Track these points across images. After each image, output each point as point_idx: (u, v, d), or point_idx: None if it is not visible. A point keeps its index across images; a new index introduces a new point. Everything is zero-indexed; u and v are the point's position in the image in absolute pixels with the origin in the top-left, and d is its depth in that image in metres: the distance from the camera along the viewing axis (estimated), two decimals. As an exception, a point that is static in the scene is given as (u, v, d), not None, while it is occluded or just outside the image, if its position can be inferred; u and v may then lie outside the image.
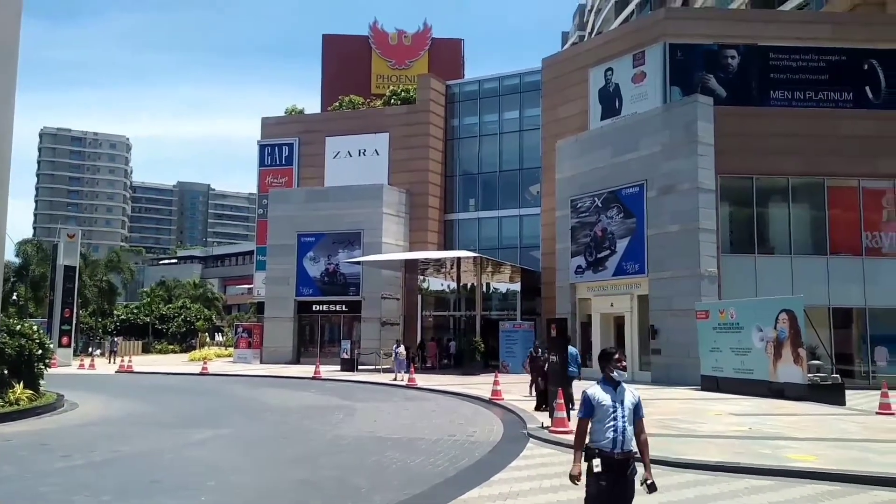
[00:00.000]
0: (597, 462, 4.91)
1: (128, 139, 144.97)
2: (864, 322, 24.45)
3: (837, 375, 19.17)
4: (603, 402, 4.99)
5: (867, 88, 27.09)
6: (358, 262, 32.56)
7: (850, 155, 24.81)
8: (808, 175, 25.19)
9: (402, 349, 26.82)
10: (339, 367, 30.02)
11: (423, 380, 23.75)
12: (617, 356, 5.18)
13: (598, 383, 5.15)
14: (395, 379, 24.95)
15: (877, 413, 15.43)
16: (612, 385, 5.09)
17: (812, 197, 25.55)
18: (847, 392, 18.16)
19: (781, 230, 25.36)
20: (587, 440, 5.04)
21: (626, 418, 5.00)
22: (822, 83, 27.08)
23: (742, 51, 27.36)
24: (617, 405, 5.01)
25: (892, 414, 15.19)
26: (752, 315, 19.93)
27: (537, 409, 15.68)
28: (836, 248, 24.90)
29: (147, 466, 10.06)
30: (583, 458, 4.99)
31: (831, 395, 17.57)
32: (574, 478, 4.95)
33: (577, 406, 13.48)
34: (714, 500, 7.79)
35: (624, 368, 5.18)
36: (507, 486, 8.38)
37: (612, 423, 4.97)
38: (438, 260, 32.58)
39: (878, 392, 16.31)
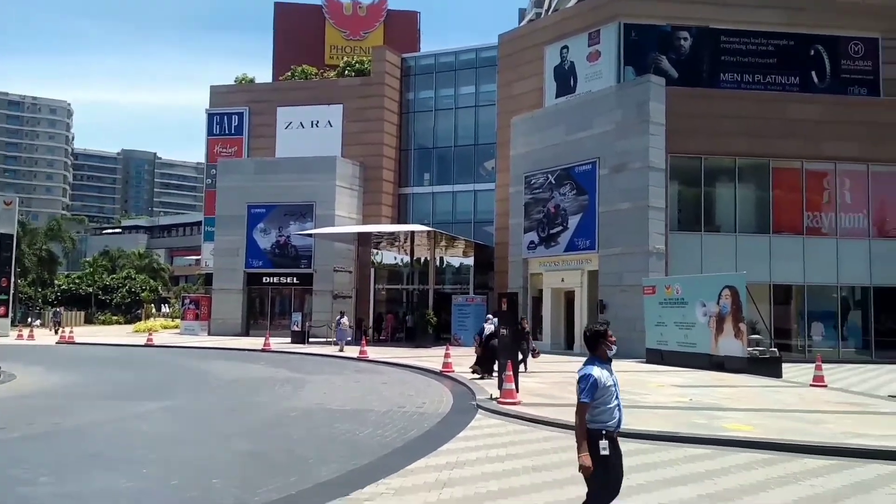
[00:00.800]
0: (604, 444, 4.75)
1: (69, 105, 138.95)
2: (803, 298, 25.49)
3: (775, 349, 19.94)
4: (607, 384, 4.86)
5: (813, 73, 27.89)
6: (310, 235, 32.16)
7: (795, 137, 25.57)
8: (754, 156, 25.87)
9: (345, 320, 26.79)
10: (289, 340, 29.80)
11: (375, 352, 23.73)
12: (609, 333, 5.02)
13: (593, 364, 4.92)
14: (339, 350, 24.95)
15: (811, 385, 16.10)
16: (606, 363, 4.96)
17: (758, 177, 26.28)
18: (784, 365, 18.95)
19: (727, 209, 26.05)
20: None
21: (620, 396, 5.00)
22: (771, 67, 27.73)
23: (694, 33, 27.75)
24: (615, 383, 4.94)
25: (825, 386, 15.88)
26: (696, 291, 20.49)
27: (479, 375, 16.56)
28: (779, 227, 25.75)
29: (87, 440, 9.79)
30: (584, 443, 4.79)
31: (769, 367, 18.27)
32: (588, 469, 4.70)
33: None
34: (654, 468, 8.01)
35: (615, 343, 5.03)
36: (454, 456, 8.45)
37: (616, 401, 4.89)
38: (392, 233, 32.43)
39: (813, 365, 17.00)
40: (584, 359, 5.15)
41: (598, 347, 4.98)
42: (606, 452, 4.74)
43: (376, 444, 9.28)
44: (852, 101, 27.24)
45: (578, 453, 4.76)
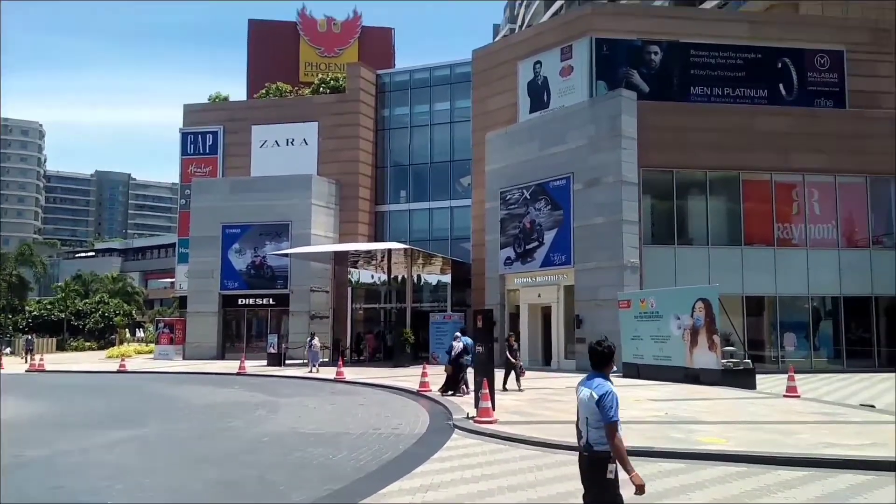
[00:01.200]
0: (612, 468, 4.70)
1: (41, 125, 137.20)
2: (775, 309, 25.72)
3: (749, 361, 20.05)
4: (619, 403, 4.79)
5: (781, 86, 28.42)
6: (286, 255, 31.89)
7: (764, 150, 25.93)
8: (724, 169, 26.19)
9: (316, 342, 26.61)
10: (265, 363, 29.41)
11: (353, 373, 23.52)
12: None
13: (606, 379, 4.82)
14: (309, 371, 24.82)
15: (784, 396, 16.22)
16: (611, 382, 4.88)
17: (728, 190, 26.58)
18: (758, 376, 19.09)
19: (699, 222, 26.31)
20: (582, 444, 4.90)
21: None
22: (740, 80, 28.22)
23: (664, 47, 28.18)
24: None
25: (798, 396, 16.00)
26: (670, 304, 20.60)
27: (442, 391, 16.92)
28: (750, 239, 26.04)
29: (51, 471, 9.52)
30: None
31: (743, 379, 18.38)
32: (642, 487, 4.59)
33: (470, 388, 13.84)
34: (628, 484, 7.94)
35: None
36: (428, 479, 8.34)
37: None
38: (369, 252, 32.25)
39: (786, 376, 17.14)
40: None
41: (608, 365, 4.93)
42: (612, 476, 4.69)
43: (350, 468, 9.14)
44: (819, 113, 27.78)
45: (629, 474, 4.60)
